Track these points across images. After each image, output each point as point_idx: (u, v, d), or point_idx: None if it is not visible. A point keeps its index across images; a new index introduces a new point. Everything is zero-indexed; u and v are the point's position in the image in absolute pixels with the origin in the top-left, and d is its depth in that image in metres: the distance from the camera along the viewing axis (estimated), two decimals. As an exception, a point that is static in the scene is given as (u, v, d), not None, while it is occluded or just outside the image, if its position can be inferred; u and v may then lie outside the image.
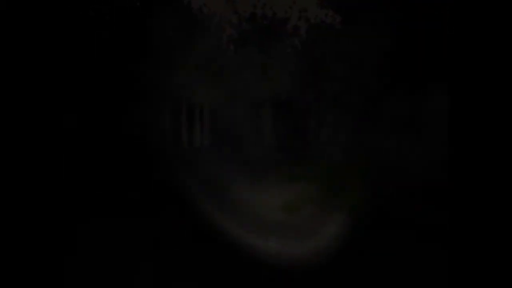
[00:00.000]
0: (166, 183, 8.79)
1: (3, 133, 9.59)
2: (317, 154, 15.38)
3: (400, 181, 9.16)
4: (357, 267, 4.08)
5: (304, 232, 4.95)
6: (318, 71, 18.39)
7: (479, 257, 4.01)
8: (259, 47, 17.94)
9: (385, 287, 3.83)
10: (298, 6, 19.61)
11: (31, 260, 4.54)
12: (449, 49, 13.46)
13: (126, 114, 12.95)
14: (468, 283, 3.80)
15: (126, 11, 11.60)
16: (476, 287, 3.81)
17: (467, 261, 3.97)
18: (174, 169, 10.88)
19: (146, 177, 9.55)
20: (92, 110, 11.91)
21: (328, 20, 19.59)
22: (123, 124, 12.40)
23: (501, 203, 5.33)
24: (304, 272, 3.75)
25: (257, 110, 18.33)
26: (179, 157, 13.76)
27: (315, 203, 6.71)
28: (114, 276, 4.05)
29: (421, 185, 8.56)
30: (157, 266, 4.22)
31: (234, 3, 18.06)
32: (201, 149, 16.37)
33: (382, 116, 15.78)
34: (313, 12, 28.30)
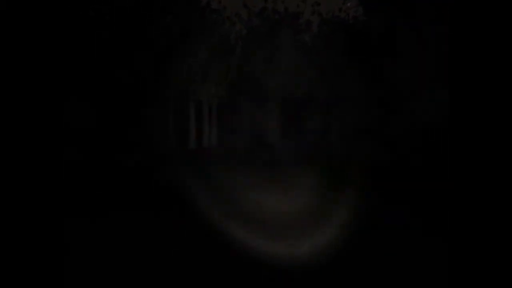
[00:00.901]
0: (170, 185, 8.48)
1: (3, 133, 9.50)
2: (328, 154, 14.92)
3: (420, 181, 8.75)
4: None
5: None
6: (330, 67, 17.86)
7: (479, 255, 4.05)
8: (270, 43, 17.47)
9: None
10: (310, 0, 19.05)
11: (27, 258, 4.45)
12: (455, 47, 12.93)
13: (131, 113, 12.72)
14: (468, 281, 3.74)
15: (126, 10, 11.33)
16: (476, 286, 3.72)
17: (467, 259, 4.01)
18: (180, 170, 10.58)
19: (150, 179, 9.26)
20: (95, 109, 11.72)
21: (341, 15, 19.01)
22: (126, 124, 12.17)
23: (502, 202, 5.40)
24: None
25: (268, 108, 17.92)
26: (186, 158, 13.48)
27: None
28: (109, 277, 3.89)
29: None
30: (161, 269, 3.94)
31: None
32: (210, 149, 16.10)
33: (397, 115, 15.23)
34: (325, 6, 27.60)
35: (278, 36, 17.67)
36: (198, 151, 15.13)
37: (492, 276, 3.98)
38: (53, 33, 9.30)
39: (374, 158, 13.19)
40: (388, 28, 14.40)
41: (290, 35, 17.93)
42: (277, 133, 17.75)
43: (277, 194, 7.68)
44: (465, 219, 5.56)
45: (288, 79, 18.08)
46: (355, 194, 7.80)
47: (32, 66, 9.13)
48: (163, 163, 11.66)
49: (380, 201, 7.30)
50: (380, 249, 4.85)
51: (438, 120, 13.36)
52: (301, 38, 18.20)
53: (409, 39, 13.72)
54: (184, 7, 13.48)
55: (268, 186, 8.59)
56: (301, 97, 18.27)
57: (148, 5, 12.14)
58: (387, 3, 14.26)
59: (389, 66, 15.32)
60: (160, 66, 13.18)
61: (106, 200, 7.24)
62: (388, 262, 4.44)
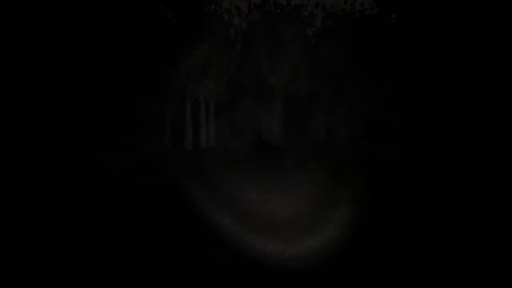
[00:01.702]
0: (167, 188, 8.05)
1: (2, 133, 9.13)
2: (334, 155, 14.49)
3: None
4: None
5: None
6: (335, 64, 17.47)
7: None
8: (271, 38, 17.06)
9: None
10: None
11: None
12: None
13: (124, 111, 12.30)
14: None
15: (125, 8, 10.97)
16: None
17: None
18: (177, 172, 10.13)
19: (145, 181, 8.82)
20: (89, 107, 11.30)
21: (347, 8, 18.66)
22: (119, 123, 11.74)
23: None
24: None
25: (269, 107, 17.50)
26: (181, 159, 13.04)
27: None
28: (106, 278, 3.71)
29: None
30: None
31: (243, -11, 17.22)
32: (207, 149, 15.66)
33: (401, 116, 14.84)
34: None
35: (280, 31, 17.27)
36: (195, 152, 14.67)
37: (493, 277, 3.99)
38: (49, 27, 8.92)
39: (382, 160, 12.76)
40: (401, 21, 13.99)
41: (293, 30, 17.55)
42: (279, 133, 17.31)
43: (279, 199, 7.29)
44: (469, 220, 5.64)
45: (291, 76, 17.68)
46: (363, 199, 7.40)
47: (32, 64, 8.80)
48: (161, 164, 11.22)
49: (385, 203, 6.94)
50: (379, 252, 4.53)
51: (454, 120, 12.93)
52: (304, 32, 17.82)
53: (424, 34, 13.31)
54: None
55: (270, 190, 8.18)
56: (304, 95, 17.86)
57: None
58: None
59: (399, 63, 14.91)
60: (156, 61, 12.78)
61: (101, 202, 6.81)
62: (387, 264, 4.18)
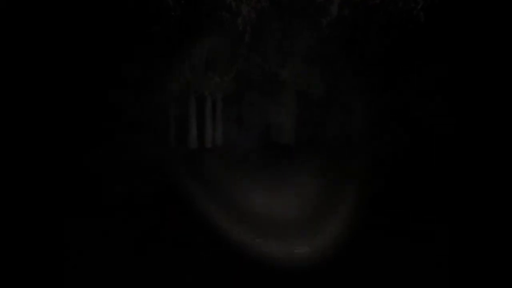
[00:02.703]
0: (167, 188, 8.41)
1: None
2: (350, 156, 14.65)
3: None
4: None
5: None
6: (352, 57, 17.55)
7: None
8: (281, 28, 17.26)
9: None
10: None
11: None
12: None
13: (124, 110, 12.71)
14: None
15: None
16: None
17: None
18: (178, 172, 10.50)
19: (144, 180, 9.20)
20: (89, 106, 11.73)
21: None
22: (119, 122, 12.15)
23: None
24: None
25: (280, 104, 17.70)
26: (186, 160, 13.42)
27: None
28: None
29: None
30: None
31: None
32: (214, 150, 16.01)
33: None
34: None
35: (292, 20, 17.44)
36: (199, 151, 15.04)
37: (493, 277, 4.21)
38: (51, 24, 9.43)
39: (400, 161, 12.85)
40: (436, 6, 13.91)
41: (306, 19, 17.69)
42: (290, 131, 17.52)
43: (285, 200, 7.53)
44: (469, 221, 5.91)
45: (302, 70, 17.82)
46: (377, 203, 7.59)
47: (31, 63, 9.31)
48: (163, 165, 11.58)
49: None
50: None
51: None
52: (318, 21, 17.92)
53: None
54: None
55: (275, 190, 8.43)
56: (317, 91, 17.98)
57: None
58: None
59: (420, 56, 14.91)
60: (159, 58, 13.11)
61: (99, 205, 7.18)
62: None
